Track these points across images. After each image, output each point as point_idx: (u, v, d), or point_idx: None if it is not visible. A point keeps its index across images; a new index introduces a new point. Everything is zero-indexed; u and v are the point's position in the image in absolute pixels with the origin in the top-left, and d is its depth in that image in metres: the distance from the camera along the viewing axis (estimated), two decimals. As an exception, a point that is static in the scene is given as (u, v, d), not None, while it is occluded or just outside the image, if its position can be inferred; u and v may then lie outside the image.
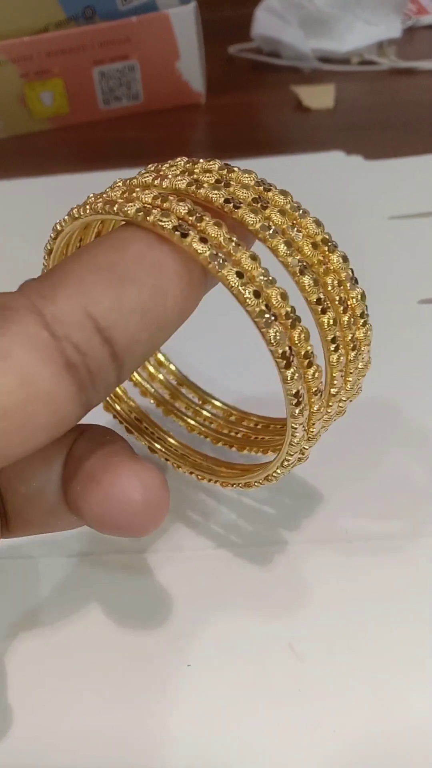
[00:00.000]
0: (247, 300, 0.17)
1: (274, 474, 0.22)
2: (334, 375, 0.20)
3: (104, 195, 0.19)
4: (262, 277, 0.17)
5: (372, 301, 0.37)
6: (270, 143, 0.55)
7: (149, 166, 0.20)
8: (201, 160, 0.19)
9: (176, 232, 0.17)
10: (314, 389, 0.19)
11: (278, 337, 0.17)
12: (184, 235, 0.17)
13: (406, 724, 0.22)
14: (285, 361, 0.18)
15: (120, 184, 0.19)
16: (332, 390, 0.20)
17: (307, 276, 0.18)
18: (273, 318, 0.17)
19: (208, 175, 0.18)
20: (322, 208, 0.45)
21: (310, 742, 0.22)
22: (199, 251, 0.17)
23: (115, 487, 0.18)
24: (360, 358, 0.21)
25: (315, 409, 0.19)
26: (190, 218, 0.17)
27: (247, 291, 0.17)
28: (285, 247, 0.18)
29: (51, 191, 0.49)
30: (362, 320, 0.20)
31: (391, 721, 0.22)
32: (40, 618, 0.25)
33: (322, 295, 0.18)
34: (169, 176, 0.18)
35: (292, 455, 0.21)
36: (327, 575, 0.26)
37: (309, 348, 0.18)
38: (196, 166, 0.19)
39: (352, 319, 0.20)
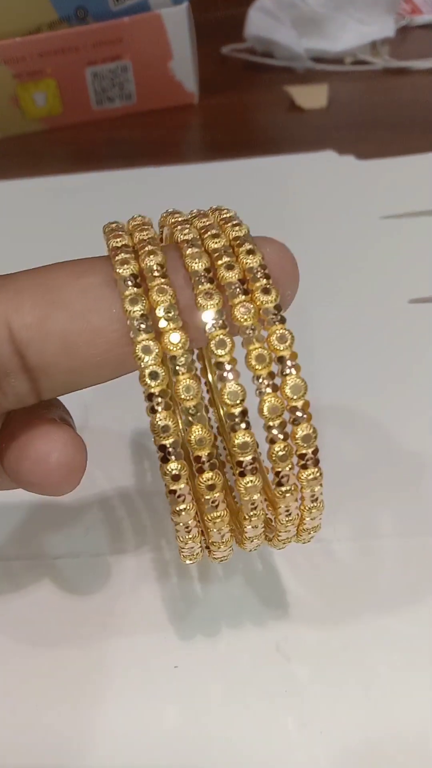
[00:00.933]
0: (145, 379, 0.16)
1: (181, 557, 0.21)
2: (242, 501, 0.18)
3: (132, 220, 0.19)
4: (178, 365, 0.16)
5: (363, 300, 0.37)
6: (263, 143, 0.55)
7: (213, 208, 0.19)
8: (233, 222, 0.18)
9: (125, 282, 0.17)
10: (209, 498, 0.17)
11: (160, 426, 0.16)
12: (126, 288, 0.17)
13: (393, 724, 0.22)
14: (162, 455, 0.17)
15: (164, 216, 0.19)
16: (251, 513, 0.18)
17: (230, 384, 0.17)
18: (163, 407, 0.16)
19: (216, 240, 0.18)
20: (314, 208, 0.45)
21: (296, 742, 0.22)
22: (126, 309, 0.16)
23: (31, 447, 0.18)
24: (301, 496, 0.19)
25: (212, 517, 0.18)
26: (148, 274, 0.17)
27: (148, 369, 0.16)
28: (217, 346, 0.17)
29: (44, 192, 0.49)
30: (303, 462, 0.18)
31: (378, 721, 0.22)
32: (27, 618, 0.25)
33: (237, 410, 0.17)
34: (180, 226, 0.18)
35: (183, 549, 0.19)
36: (313, 575, 0.26)
37: (204, 453, 0.17)
38: (227, 225, 0.18)
39: (285, 455, 0.17)
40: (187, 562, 0.20)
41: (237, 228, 0.18)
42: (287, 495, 0.18)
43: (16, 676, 0.23)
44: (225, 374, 0.17)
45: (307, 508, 0.19)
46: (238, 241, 0.18)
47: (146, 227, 0.18)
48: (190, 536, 0.18)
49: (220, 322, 0.17)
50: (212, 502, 0.18)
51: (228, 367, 0.17)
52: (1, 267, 0.40)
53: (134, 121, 0.58)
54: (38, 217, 0.47)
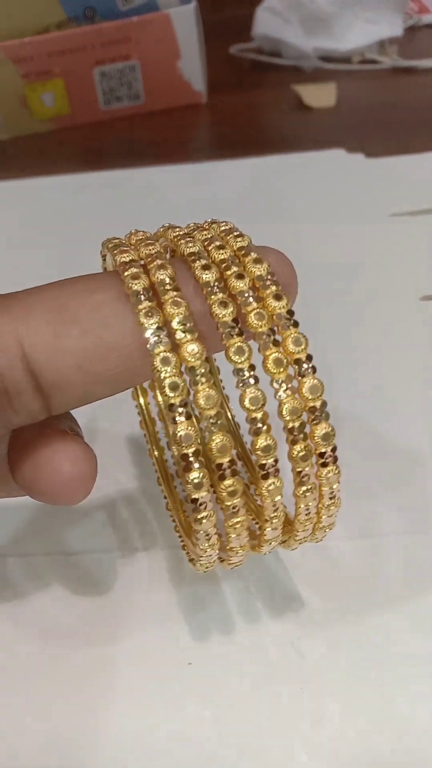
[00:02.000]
0: (165, 390, 0.16)
1: (194, 564, 0.21)
2: (264, 503, 0.18)
3: (130, 236, 0.19)
4: (197, 375, 0.16)
5: (374, 299, 0.37)
6: (271, 142, 0.55)
7: (209, 221, 0.20)
8: (234, 233, 0.19)
9: (138, 296, 0.17)
10: (230, 504, 0.18)
11: (182, 435, 0.16)
12: (140, 302, 0.17)
13: (408, 721, 0.22)
14: (185, 464, 0.17)
15: (161, 230, 0.19)
16: (273, 515, 0.19)
17: (251, 390, 0.17)
18: (184, 417, 0.16)
19: (221, 251, 0.18)
20: (323, 206, 0.45)
21: (313, 739, 0.21)
22: (141, 322, 0.16)
23: (43, 459, 0.18)
24: (319, 494, 0.19)
25: (232, 523, 0.18)
26: (161, 288, 0.17)
27: (168, 380, 0.16)
28: (236, 353, 0.17)
29: (53, 192, 0.49)
30: (323, 460, 0.18)
31: (393, 718, 0.22)
32: (40, 614, 0.25)
33: (259, 415, 0.17)
34: (184, 240, 0.18)
35: (201, 557, 0.20)
36: (328, 572, 0.25)
37: (225, 460, 0.17)
38: (229, 237, 0.18)
39: (306, 455, 0.18)
40: (203, 571, 0.21)
41: (240, 239, 0.18)
42: (308, 494, 0.18)
43: (29, 670, 0.23)
44: (245, 380, 0.17)
45: (324, 505, 0.19)
46: (243, 251, 0.18)
47: (150, 242, 0.18)
48: (209, 543, 0.19)
49: (237, 329, 0.17)
50: (233, 508, 0.18)
51: (247, 373, 0.17)
52: (11, 266, 0.41)
53: (142, 121, 0.58)
54: (47, 216, 0.47)
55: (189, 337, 0.17)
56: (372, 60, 0.64)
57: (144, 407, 0.28)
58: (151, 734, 0.22)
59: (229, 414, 0.27)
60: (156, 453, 0.27)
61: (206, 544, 0.19)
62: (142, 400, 0.28)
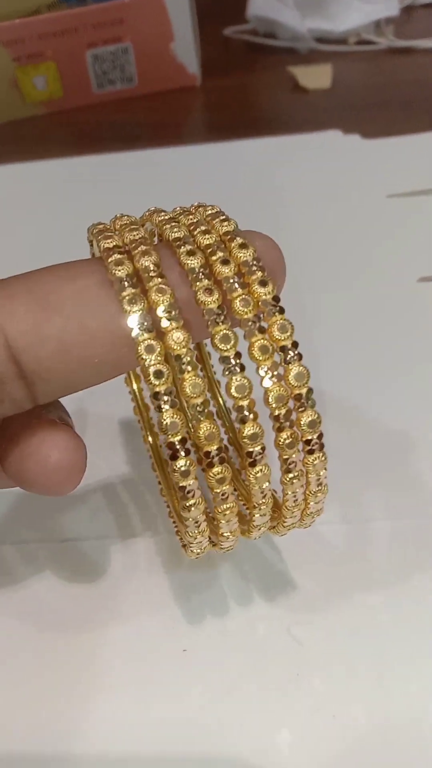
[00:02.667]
0: (150, 378, 0.16)
1: (186, 550, 0.21)
2: (252, 490, 0.18)
3: (115, 221, 0.19)
4: (183, 363, 0.16)
5: (371, 280, 0.37)
6: (267, 124, 0.54)
7: (196, 204, 0.19)
8: (221, 217, 0.18)
9: (121, 282, 0.16)
10: (219, 491, 0.18)
11: (168, 423, 0.16)
12: (123, 289, 0.16)
13: (406, 708, 0.21)
14: (172, 452, 0.17)
15: (147, 214, 0.19)
16: (261, 502, 0.19)
17: (237, 378, 0.17)
18: (170, 405, 0.16)
19: (207, 236, 0.18)
20: (320, 187, 0.44)
21: (309, 726, 0.21)
22: (125, 309, 0.16)
23: (32, 448, 0.18)
24: (307, 481, 0.19)
25: (222, 509, 0.18)
26: (145, 274, 0.17)
27: (152, 368, 0.16)
28: (222, 340, 0.17)
29: (46, 176, 0.49)
30: (309, 447, 0.18)
31: (391, 705, 0.22)
32: (33, 601, 0.25)
33: (245, 403, 0.17)
34: (169, 224, 0.18)
35: (192, 543, 0.19)
36: (321, 557, 0.25)
37: (213, 447, 0.17)
38: (215, 221, 0.18)
39: (292, 442, 0.18)
40: (194, 557, 0.20)
41: (226, 223, 0.18)
42: (295, 481, 0.18)
43: (24, 658, 0.23)
44: (231, 368, 0.17)
45: (312, 492, 0.19)
46: (228, 236, 0.18)
47: (135, 227, 0.18)
48: (199, 530, 0.19)
49: (222, 316, 0.17)
50: (222, 495, 0.18)
51: (234, 361, 0.17)
52: (3, 251, 0.40)
53: (136, 104, 0.57)
54: (40, 201, 0.46)
55: (174, 324, 0.16)
56: (368, 41, 0.63)
57: (137, 393, 0.27)
58: (145, 721, 0.22)
59: (220, 400, 0.27)
60: (150, 439, 0.27)
61: (196, 531, 0.19)
62: (135, 386, 0.27)
